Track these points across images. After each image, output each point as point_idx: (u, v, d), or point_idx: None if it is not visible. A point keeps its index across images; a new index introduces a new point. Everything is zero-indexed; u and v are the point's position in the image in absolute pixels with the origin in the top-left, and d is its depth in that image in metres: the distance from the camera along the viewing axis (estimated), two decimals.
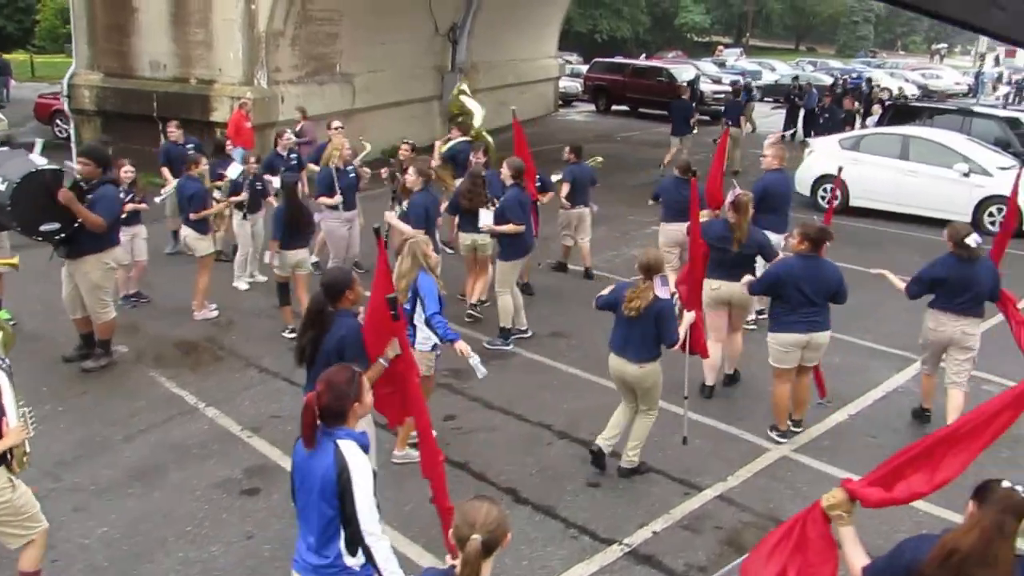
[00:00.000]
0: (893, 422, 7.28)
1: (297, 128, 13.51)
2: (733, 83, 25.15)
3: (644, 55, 46.10)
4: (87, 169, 7.73)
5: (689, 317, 6.42)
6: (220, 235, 10.36)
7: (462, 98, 12.70)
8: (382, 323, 4.81)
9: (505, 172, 8.68)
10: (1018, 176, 8.58)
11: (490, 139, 11.76)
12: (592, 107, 31.58)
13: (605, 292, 6.23)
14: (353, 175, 9.92)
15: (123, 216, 8.37)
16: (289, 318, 8.82)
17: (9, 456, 4.40)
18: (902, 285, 7.07)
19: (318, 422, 3.53)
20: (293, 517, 5.62)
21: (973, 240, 6.70)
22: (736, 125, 19.91)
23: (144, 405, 7.43)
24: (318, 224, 9.62)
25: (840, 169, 9.06)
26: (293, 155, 11.17)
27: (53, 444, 6.52)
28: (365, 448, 3.60)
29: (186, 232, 9.45)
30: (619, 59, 33.93)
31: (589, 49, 47.51)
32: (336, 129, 10.83)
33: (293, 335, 8.61)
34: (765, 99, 34.35)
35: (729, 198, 7.58)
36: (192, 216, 9.24)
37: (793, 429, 6.95)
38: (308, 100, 16.89)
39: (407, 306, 5.94)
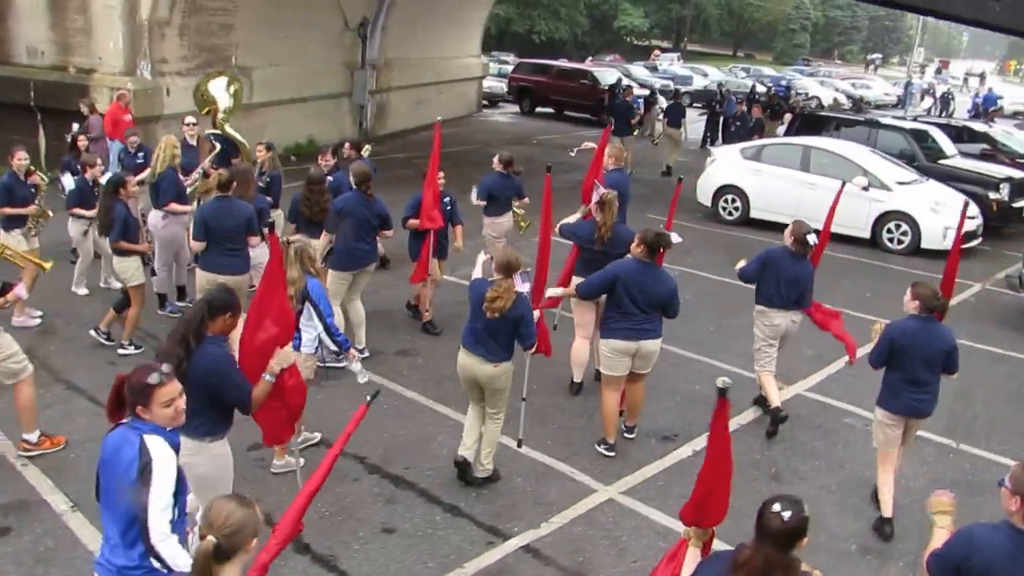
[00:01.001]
0: (739, 459, 6.76)
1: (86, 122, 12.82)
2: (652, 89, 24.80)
3: (590, 58, 45.78)
4: None
5: (534, 316, 6.23)
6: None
7: (209, 87, 11.85)
8: (270, 335, 4.59)
9: (353, 179, 8.07)
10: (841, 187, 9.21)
11: (236, 134, 11.18)
12: (517, 108, 31.08)
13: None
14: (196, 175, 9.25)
15: None
16: (105, 321, 8.25)
17: None
18: (741, 264, 7.39)
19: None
20: (41, 564, 5.01)
21: (812, 239, 7.15)
22: (676, 127, 19.81)
23: None
24: (151, 230, 8.95)
25: (680, 181, 8.65)
26: (141, 154, 10.41)
27: None
28: (174, 446, 3.49)
29: None
30: (544, 60, 33.39)
31: (527, 50, 47.09)
32: (189, 125, 10.13)
33: (106, 340, 8.23)
34: (694, 104, 34.23)
35: (595, 197, 7.44)
36: None
37: (626, 435, 6.84)
38: None
39: (299, 306, 5.79)
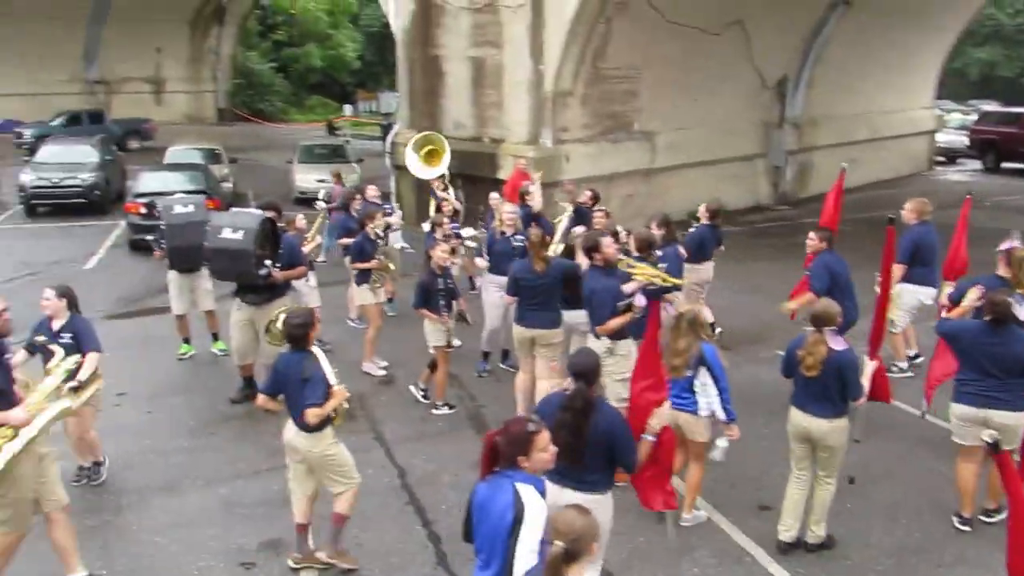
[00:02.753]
0: None
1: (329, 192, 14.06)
2: None
3: None
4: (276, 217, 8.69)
5: (871, 366, 6.50)
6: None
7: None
8: (649, 395, 4.93)
9: (632, 244, 7.87)
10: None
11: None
12: (979, 164, 27.36)
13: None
14: (520, 243, 9.34)
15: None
16: (423, 378, 8.79)
17: (333, 415, 5.55)
18: None
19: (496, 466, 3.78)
20: None
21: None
22: None
23: (248, 453, 7.69)
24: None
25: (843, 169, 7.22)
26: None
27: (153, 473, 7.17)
28: (542, 494, 3.72)
29: (352, 286, 9.72)
30: (1015, 108, 28.95)
31: (1016, 97, 41.25)
32: (529, 194, 10.51)
33: (422, 397, 8.77)
34: None
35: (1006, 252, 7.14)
36: (352, 266, 9.38)
37: (984, 519, 6.35)
38: (600, 159, 16.73)
39: (689, 372, 6.01)
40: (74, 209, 18.98)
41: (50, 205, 19.29)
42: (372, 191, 11.83)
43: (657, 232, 8.78)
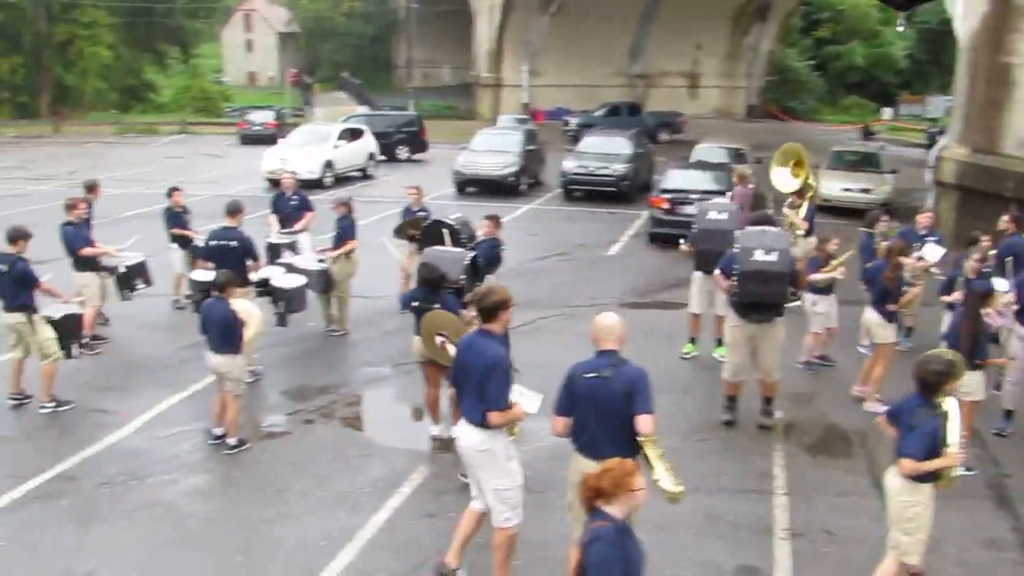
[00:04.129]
0: None
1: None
2: None
3: None
4: None
5: None
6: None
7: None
8: None
9: None
10: None
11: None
12: None
13: None
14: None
15: None
16: None
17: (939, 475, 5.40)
18: None
19: None
20: None
21: None
22: None
23: (734, 468, 7.55)
24: None
25: None
26: None
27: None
28: None
29: (872, 316, 8.86)
30: None
31: None
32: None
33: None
34: None
35: None
36: (877, 307, 8.67)
37: None
38: None
39: None
40: (603, 196, 20.62)
41: (584, 191, 21.15)
42: (924, 219, 10.76)
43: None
